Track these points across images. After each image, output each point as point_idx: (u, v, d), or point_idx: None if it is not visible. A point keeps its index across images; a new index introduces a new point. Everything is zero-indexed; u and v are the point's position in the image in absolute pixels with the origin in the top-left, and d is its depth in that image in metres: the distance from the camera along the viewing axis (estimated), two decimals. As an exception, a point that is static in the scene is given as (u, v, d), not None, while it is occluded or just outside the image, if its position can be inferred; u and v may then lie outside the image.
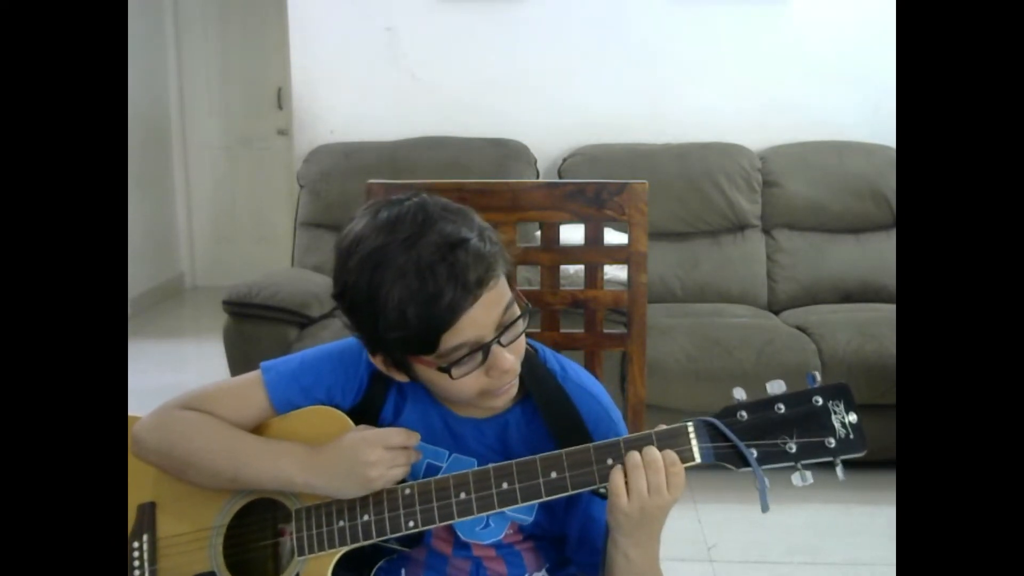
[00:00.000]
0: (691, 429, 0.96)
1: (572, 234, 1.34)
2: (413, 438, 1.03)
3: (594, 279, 1.33)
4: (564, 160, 3.43)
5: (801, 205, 3.34)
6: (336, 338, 1.13)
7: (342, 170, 3.38)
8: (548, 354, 1.12)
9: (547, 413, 1.05)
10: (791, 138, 3.49)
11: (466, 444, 1.08)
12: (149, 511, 1.10)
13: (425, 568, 1.11)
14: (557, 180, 3.29)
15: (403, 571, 1.12)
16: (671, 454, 0.95)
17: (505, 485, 0.98)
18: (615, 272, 1.37)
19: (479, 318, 0.93)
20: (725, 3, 3.50)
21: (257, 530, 1.11)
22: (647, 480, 0.93)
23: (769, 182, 3.38)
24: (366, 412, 1.08)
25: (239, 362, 2.78)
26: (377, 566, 1.09)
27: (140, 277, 4.77)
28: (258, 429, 1.08)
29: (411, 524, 1.00)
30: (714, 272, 3.30)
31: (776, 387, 0.97)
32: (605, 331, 1.34)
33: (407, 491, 1.01)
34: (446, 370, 0.95)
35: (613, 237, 1.33)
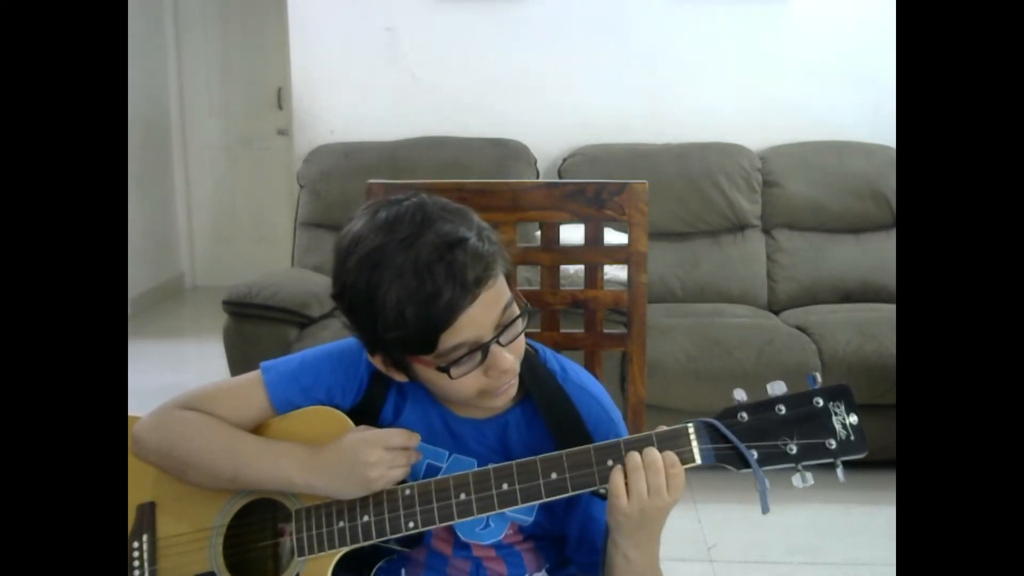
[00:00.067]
0: (691, 430, 0.96)
1: (572, 234, 1.34)
2: (413, 439, 1.03)
3: (594, 279, 1.33)
4: (564, 160, 3.43)
5: (801, 205, 3.34)
6: (336, 338, 1.13)
7: (342, 170, 3.38)
8: (548, 354, 1.12)
9: (547, 413, 1.05)
10: (791, 138, 3.49)
11: (466, 444, 1.08)
12: (149, 511, 1.10)
13: (425, 568, 1.11)
14: (557, 180, 3.29)
15: (403, 571, 1.12)
16: (671, 455, 0.95)
17: (505, 486, 0.98)
18: (615, 272, 1.37)
19: (478, 318, 0.93)
20: (725, 3, 3.50)
21: (257, 530, 1.11)
22: (647, 481, 0.93)
23: (769, 182, 3.38)
24: (366, 412, 1.08)
25: (239, 362, 2.78)
26: (377, 566, 1.09)
27: (140, 277, 4.77)
28: (258, 429, 1.08)
29: (411, 525, 1.00)
30: (714, 272, 3.30)
31: (777, 388, 0.97)
32: (605, 331, 1.33)
33: (407, 492, 1.01)
34: (445, 370, 0.95)
35: (613, 237, 1.33)
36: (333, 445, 1.02)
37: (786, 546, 2.42)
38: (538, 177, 3.45)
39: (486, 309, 0.93)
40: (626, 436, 1.00)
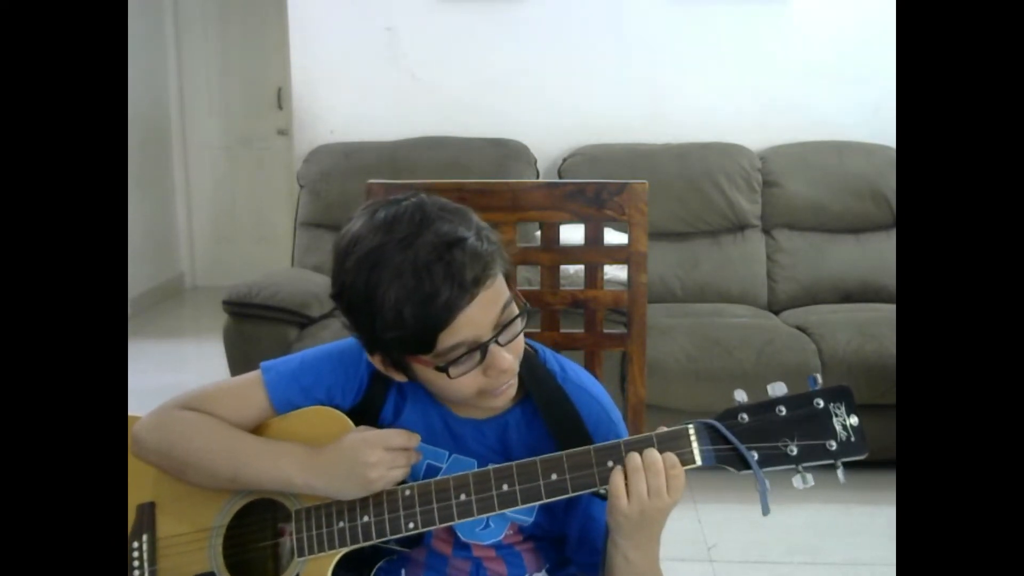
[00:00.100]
0: (692, 431, 0.96)
1: (572, 234, 1.34)
2: (413, 439, 1.03)
3: (594, 279, 1.33)
4: (564, 160, 3.43)
5: (801, 205, 3.34)
6: (336, 338, 1.13)
7: (342, 170, 3.38)
8: (548, 354, 1.12)
9: (547, 414, 1.05)
10: (791, 138, 3.49)
11: (466, 445, 1.08)
12: (149, 511, 1.10)
13: (425, 568, 1.11)
14: (557, 180, 3.29)
15: (403, 571, 1.12)
16: (671, 456, 0.95)
17: (505, 487, 0.98)
18: (615, 272, 1.37)
19: (476, 317, 0.93)
20: (725, 3, 3.50)
21: (257, 530, 1.11)
22: (647, 482, 0.93)
23: (769, 182, 3.38)
24: (366, 412, 1.08)
25: (239, 362, 2.78)
26: (377, 566, 1.09)
27: (140, 277, 4.77)
28: (258, 429, 1.08)
29: (411, 525, 1.00)
30: (714, 272, 3.30)
31: (777, 389, 0.97)
32: (605, 331, 1.33)
33: (407, 492, 1.01)
34: (444, 370, 0.95)
35: (613, 237, 1.33)
36: (333, 445, 1.02)
37: (786, 546, 2.42)
38: (538, 177, 3.44)
39: (484, 309, 0.93)
40: (626, 436, 1.00)
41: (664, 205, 3.25)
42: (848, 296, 3.23)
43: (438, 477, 1.02)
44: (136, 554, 1.08)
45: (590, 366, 1.32)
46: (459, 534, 1.08)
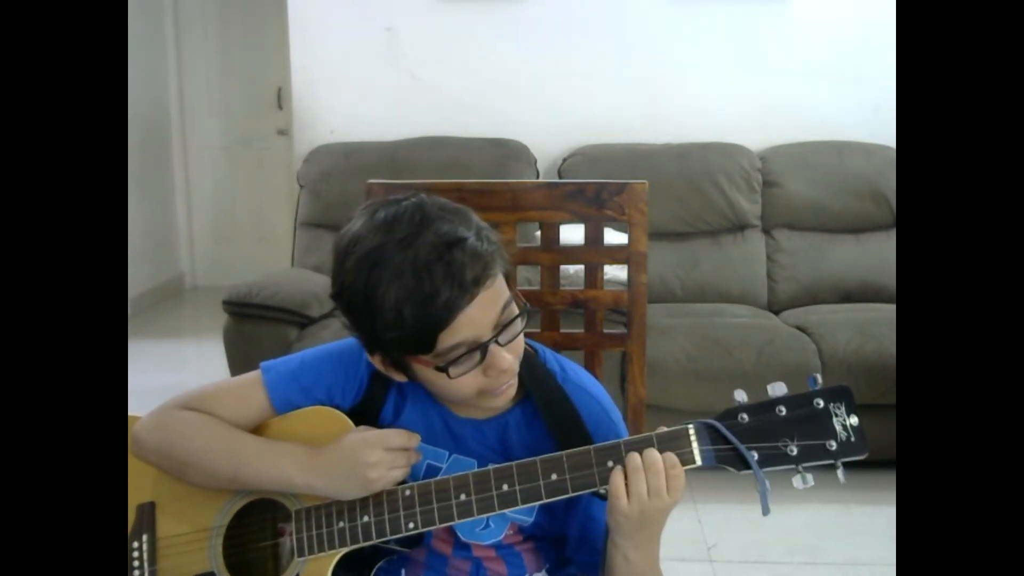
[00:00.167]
0: (692, 431, 0.96)
1: (572, 234, 1.34)
2: (413, 439, 1.03)
3: (594, 279, 1.33)
4: (564, 160, 3.43)
5: (801, 205, 3.34)
6: (336, 338, 1.13)
7: (342, 170, 3.38)
8: (548, 354, 1.12)
9: (547, 414, 1.05)
10: (791, 138, 3.49)
11: (466, 445, 1.08)
12: (149, 511, 1.10)
13: (425, 568, 1.11)
14: (557, 180, 3.29)
15: (403, 571, 1.12)
16: (671, 456, 0.95)
17: (505, 487, 0.98)
18: (615, 272, 1.37)
19: (476, 317, 0.93)
20: (725, 3, 3.50)
21: (257, 530, 1.11)
22: (647, 482, 0.93)
23: (769, 182, 3.38)
24: (366, 412, 1.08)
25: (239, 362, 2.78)
26: (377, 566, 1.09)
27: (140, 277, 4.77)
28: (258, 429, 1.08)
29: (411, 525, 1.00)
30: (714, 272, 3.30)
31: (777, 389, 0.97)
32: (605, 331, 1.33)
33: (407, 492, 1.01)
34: (444, 369, 0.95)
35: (613, 237, 1.33)
36: (333, 446, 1.02)
37: (786, 546, 2.42)
38: (538, 177, 3.44)
39: (484, 309, 0.93)
40: (626, 436, 1.00)
41: (664, 205, 3.25)
42: (848, 296, 3.23)
43: (438, 477, 1.02)
44: (136, 554, 1.08)
45: (590, 366, 1.32)
46: (459, 534, 1.08)
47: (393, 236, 0.92)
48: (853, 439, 0.94)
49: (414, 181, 1.33)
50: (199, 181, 5.46)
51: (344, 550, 1.02)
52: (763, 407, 0.96)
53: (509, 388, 1.01)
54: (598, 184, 1.30)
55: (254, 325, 2.79)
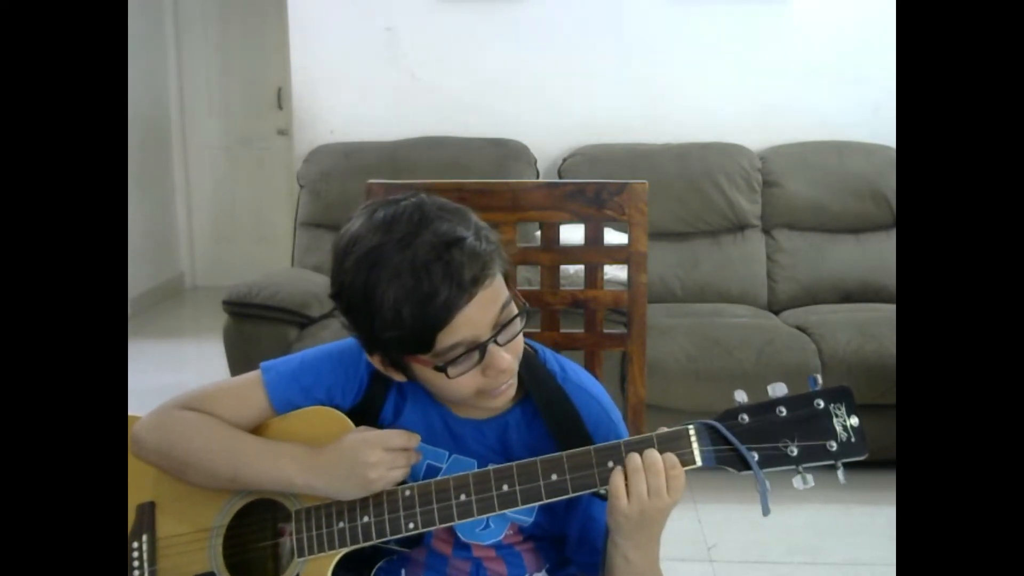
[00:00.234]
0: (692, 432, 0.96)
1: (572, 234, 1.34)
2: (413, 440, 1.03)
3: (594, 279, 1.33)
4: (564, 160, 3.43)
5: (801, 205, 3.34)
6: (336, 338, 1.13)
7: (342, 170, 3.38)
8: (548, 355, 1.12)
9: (547, 414, 1.05)
10: (791, 138, 3.49)
11: (466, 445, 1.08)
12: (149, 511, 1.10)
13: (425, 568, 1.11)
14: (557, 180, 3.29)
15: (403, 571, 1.12)
16: (671, 457, 0.95)
17: (505, 487, 0.98)
18: (615, 272, 1.37)
19: (475, 317, 0.93)
20: (725, 3, 3.50)
21: (257, 531, 1.11)
22: (647, 483, 0.93)
23: (769, 182, 3.38)
24: (366, 412, 1.08)
25: (239, 362, 2.78)
26: (377, 567, 1.09)
27: (140, 277, 4.77)
28: (258, 429, 1.08)
29: (411, 526, 1.00)
30: (714, 272, 3.30)
31: (777, 389, 0.97)
32: (605, 331, 1.33)
33: (407, 492, 1.01)
34: (443, 369, 0.95)
35: (613, 237, 1.33)
36: (333, 446, 1.02)
37: (786, 546, 2.42)
38: (538, 177, 3.44)
39: (483, 308, 0.93)
40: (626, 437, 1.00)
41: (664, 205, 3.25)
42: (848, 296, 3.23)
43: (438, 477, 1.02)
44: (136, 554, 1.08)
45: (590, 366, 1.32)
46: (459, 534, 1.08)
47: (392, 236, 0.92)
48: (853, 440, 0.94)
49: (414, 181, 1.33)
50: (199, 181, 5.46)
51: (344, 550, 1.02)
52: (763, 408, 0.96)
53: (508, 388, 1.01)
54: (598, 184, 1.30)
55: (254, 325, 2.79)
